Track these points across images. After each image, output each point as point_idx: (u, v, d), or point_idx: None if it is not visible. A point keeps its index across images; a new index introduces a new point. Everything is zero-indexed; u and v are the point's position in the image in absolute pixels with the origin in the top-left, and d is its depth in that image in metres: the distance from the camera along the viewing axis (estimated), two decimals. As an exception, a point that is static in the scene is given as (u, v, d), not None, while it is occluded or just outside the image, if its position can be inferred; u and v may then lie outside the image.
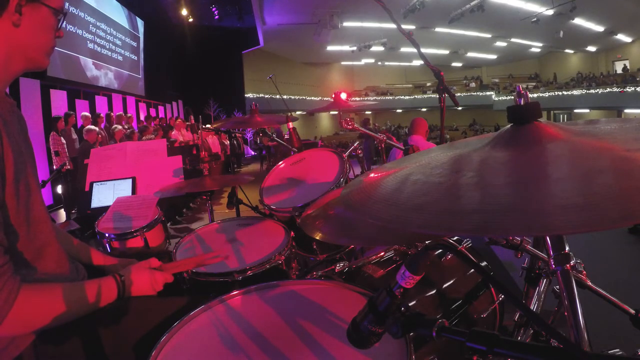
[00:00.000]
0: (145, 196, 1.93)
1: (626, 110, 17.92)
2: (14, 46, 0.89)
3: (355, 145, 2.12)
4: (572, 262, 0.69)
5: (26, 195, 0.89)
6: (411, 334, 0.63)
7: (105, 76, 10.97)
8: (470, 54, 24.31)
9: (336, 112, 2.60)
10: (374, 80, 29.27)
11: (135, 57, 13.47)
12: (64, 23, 0.99)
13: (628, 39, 19.60)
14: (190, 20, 15.72)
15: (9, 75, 0.93)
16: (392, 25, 1.74)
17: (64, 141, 6.32)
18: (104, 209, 1.88)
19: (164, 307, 1.11)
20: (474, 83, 27.73)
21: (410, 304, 0.76)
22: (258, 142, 13.73)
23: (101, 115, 8.45)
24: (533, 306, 1.02)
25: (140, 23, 13.90)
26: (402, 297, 0.61)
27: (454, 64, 26.97)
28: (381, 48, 20.50)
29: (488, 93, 25.94)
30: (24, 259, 0.90)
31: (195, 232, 1.68)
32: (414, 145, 1.81)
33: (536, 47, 22.93)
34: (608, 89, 18.80)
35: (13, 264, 0.83)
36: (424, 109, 28.13)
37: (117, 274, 1.01)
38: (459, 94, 22.06)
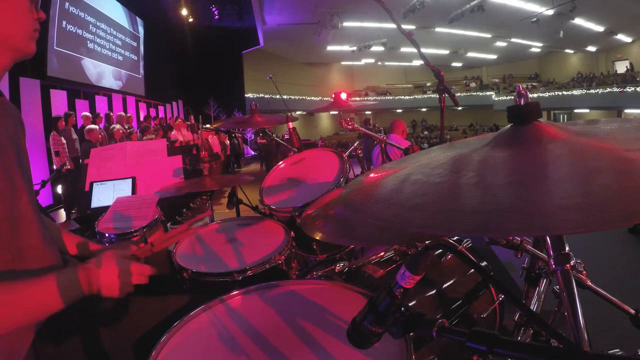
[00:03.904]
0: (145, 196, 1.93)
1: (626, 110, 17.91)
2: None
3: (355, 145, 2.12)
4: (572, 262, 0.69)
5: (9, 194, 0.88)
6: (411, 334, 0.63)
7: (105, 76, 10.96)
8: (470, 54, 24.30)
9: (336, 112, 2.60)
10: (374, 80, 29.26)
11: (135, 57, 13.46)
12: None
13: (628, 39, 19.59)
14: (190, 20, 15.72)
15: None
16: (392, 25, 1.74)
17: (64, 141, 6.32)
18: (104, 209, 1.88)
19: (164, 307, 1.11)
20: (474, 83, 27.73)
21: (410, 304, 0.76)
22: (257, 142, 13.74)
23: (101, 115, 8.45)
24: (533, 306, 1.02)
25: (140, 23, 13.90)
26: (402, 297, 0.61)
27: (454, 64, 26.96)
28: (381, 48, 20.49)
29: (488, 93, 25.94)
30: (3, 257, 0.88)
31: (196, 232, 1.68)
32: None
33: (536, 47, 22.93)
34: (608, 89, 18.79)
35: None
36: (424, 109, 28.14)
37: (86, 266, 0.87)
38: (459, 94, 22.02)
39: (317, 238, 0.94)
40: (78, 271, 0.86)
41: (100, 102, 10.21)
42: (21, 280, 0.83)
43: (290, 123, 2.18)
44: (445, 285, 1.21)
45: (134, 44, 13.43)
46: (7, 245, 0.88)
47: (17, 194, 0.91)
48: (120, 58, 12.07)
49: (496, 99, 25.03)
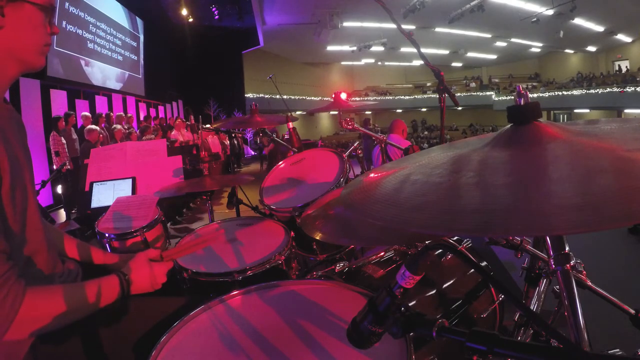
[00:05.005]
0: (145, 196, 1.92)
1: (626, 110, 17.90)
2: (2, 49, 0.86)
3: (355, 145, 2.12)
4: (572, 262, 0.70)
5: (23, 203, 0.88)
6: (411, 334, 0.63)
7: (106, 76, 10.96)
8: (470, 54, 24.30)
9: (336, 112, 2.60)
10: (374, 80, 29.26)
11: (135, 57, 13.46)
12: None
13: (628, 39, 19.59)
14: (190, 20, 15.72)
15: (5, 80, 0.90)
16: (392, 25, 1.74)
17: (64, 141, 6.32)
18: (104, 209, 1.88)
19: (164, 307, 1.11)
20: (474, 83, 27.73)
21: (410, 304, 0.76)
22: (258, 142, 13.73)
23: (102, 115, 8.45)
24: (533, 306, 1.02)
25: (140, 23, 13.90)
26: (402, 297, 0.61)
27: (454, 64, 26.96)
28: (381, 48, 20.49)
29: (488, 93, 25.93)
30: (18, 264, 0.88)
31: (195, 232, 1.68)
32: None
33: (536, 47, 22.92)
34: (608, 89, 18.79)
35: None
36: (424, 109, 28.14)
37: (120, 272, 1.00)
38: (459, 94, 22.04)
39: (317, 238, 0.94)
40: (116, 277, 0.98)
41: (100, 102, 10.21)
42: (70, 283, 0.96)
43: (290, 123, 2.18)
44: (445, 285, 1.21)
45: (134, 44, 13.43)
46: (20, 253, 0.89)
47: (29, 203, 0.91)
48: (120, 58, 12.07)
49: (496, 99, 25.02)
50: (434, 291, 1.18)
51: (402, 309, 0.60)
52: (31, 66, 0.92)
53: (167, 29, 15.58)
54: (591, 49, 21.62)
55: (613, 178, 0.45)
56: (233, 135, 2.80)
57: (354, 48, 21.39)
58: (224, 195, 5.94)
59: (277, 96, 17.14)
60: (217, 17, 16.93)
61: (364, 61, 26.24)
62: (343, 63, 27.62)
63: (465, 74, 28.42)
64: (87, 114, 7.92)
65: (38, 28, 0.90)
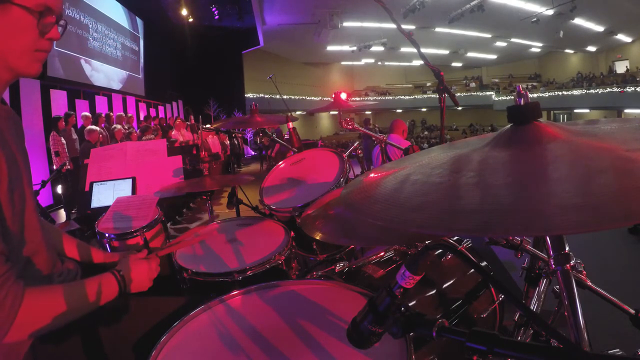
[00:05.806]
0: (145, 196, 1.92)
1: (626, 110, 17.91)
2: None
3: (355, 145, 2.12)
4: (572, 262, 0.69)
5: (21, 204, 0.88)
6: (411, 334, 0.63)
7: (105, 76, 10.96)
8: (470, 54, 24.31)
9: (336, 112, 2.60)
10: (374, 80, 29.27)
11: (135, 57, 13.46)
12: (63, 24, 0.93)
13: (628, 39, 19.59)
14: (190, 20, 15.73)
15: None
16: (392, 25, 1.74)
17: (64, 141, 6.32)
18: (104, 209, 1.88)
19: (164, 307, 1.11)
20: (474, 83, 27.73)
21: (410, 304, 0.76)
22: (258, 142, 13.74)
23: (102, 115, 8.45)
24: (533, 306, 1.02)
25: (140, 23, 13.90)
26: (402, 297, 0.61)
27: (454, 64, 26.97)
28: (381, 48, 20.51)
29: (488, 93, 25.94)
30: (17, 266, 0.88)
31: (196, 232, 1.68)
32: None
33: (536, 47, 22.93)
34: (608, 89, 18.79)
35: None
36: (424, 109, 28.15)
37: (115, 270, 0.99)
38: (459, 94, 22.04)
39: (317, 238, 0.94)
40: (111, 275, 0.98)
41: (100, 102, 10.20)
42: (69, 283, 0.96)
43: (290, 123, 2.18)
44: (445, 285, 1.21)
45: (134, 44, 13.43)
46: (18, 255, 0.89)
47: (27, 204, 0.91)
48: (120, 58, 12.07)
49: (496, 99, 25.03)
50: (434, 291, 1.18)
51: (402, 309, 0.60)
52: (21, 72, 0.88)
53: (167, 29, 15.58)
54: (591, 49, 21.63)
55: (613, 178, 0.45)
56: (233, 135, 2.80)
57: (354, 48, 21.40)
58: (224, 195, 5.93)
59: (277, 96, 17.14)
60: (217, 17, 16.93)
61: (364, 61, 26.24)
62: (343, 63, 27.63)
63: (465, 74, 28.42)
64: (87, 114, 7.91)
65: (26, 32, 0.84)
